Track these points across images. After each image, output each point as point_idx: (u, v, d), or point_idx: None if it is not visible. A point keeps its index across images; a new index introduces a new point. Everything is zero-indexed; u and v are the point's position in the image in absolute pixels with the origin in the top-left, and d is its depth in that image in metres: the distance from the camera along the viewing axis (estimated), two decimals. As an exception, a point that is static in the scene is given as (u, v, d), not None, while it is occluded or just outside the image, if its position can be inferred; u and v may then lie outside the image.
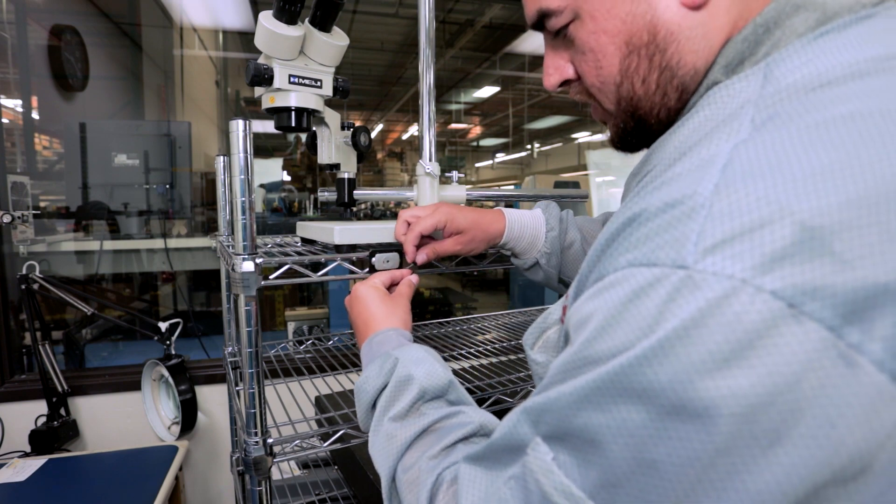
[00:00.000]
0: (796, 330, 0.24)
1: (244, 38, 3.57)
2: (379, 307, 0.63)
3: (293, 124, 0.80)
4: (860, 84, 0.30)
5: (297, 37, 0.74)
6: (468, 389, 0.88)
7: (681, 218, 0.29)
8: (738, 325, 0.25)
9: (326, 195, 1.01)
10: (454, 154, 8.24)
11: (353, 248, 0.79)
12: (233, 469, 1.21)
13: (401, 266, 0.77)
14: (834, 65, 0.32)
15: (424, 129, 0.89)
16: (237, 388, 0.92)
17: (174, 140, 1.99)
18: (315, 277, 0.75)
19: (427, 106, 0.89)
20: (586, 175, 5.36)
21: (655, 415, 0.27)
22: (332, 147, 0.91)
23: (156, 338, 1.40)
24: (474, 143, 8.86)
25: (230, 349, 1.18)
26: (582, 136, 7.49)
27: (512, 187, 6.12)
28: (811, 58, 0.33)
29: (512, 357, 1.18)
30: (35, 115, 2.08)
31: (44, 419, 1.41)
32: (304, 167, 4.48)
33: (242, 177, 0.66)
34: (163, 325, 1.40)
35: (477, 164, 9.38)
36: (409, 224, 0.72)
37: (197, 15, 3.12)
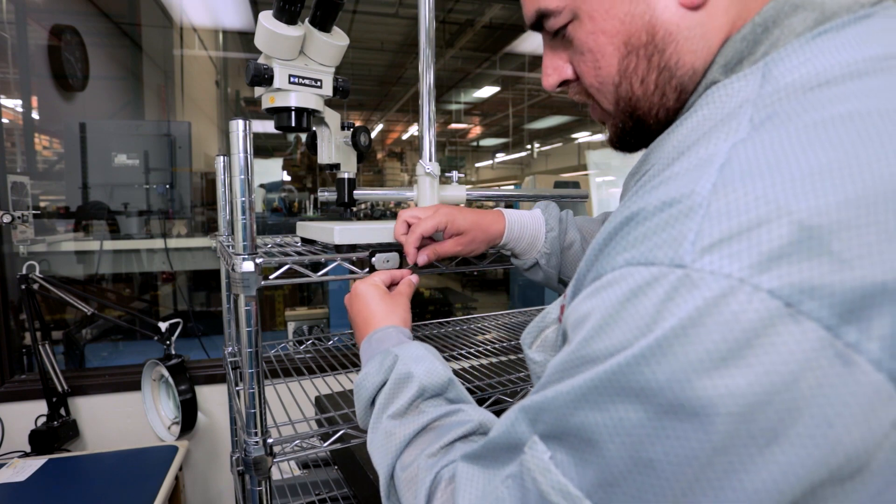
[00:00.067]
0: (794, 329, 0.24)
1: (244, 38, 3.57)
2: (379, 305, 0.63)
3: (293, 124, 0.80)
4: (858, 84, 0.30)
5: (297, 37, 0.74)
6: (468, 389, 0.88)
7: (678, 217, 0.29)
8: (735, 324, 0.25)
9: (326, 195, 1.02)
10: (454, 154, 8.24)
11: (353, 248, 0.79)
12: (233, 469, 1.21)
13: (401, 266, 0.77)
14: (832, 64, 0.32)
15: (424, 129, 0.89)
16: (237, 388, 0.92)
17: (174, 140, 1.99)
18: (315, 277, 0.75)
19: (427, 106, 0.89)
20: (586, 175, 5.37)
21: (653, 414, 0.27)
22: (332, 147, 0.91)
23: (156, 338, 1.40)
24: (474, 143, 8.87)
25: (230, 349, 1.18)
26: (582, 136, 7.49)
27: (512, 187, 6.12)
28: (809, 57, 0.33)
29: (512, 357, 1.18)
30: (35, 115, 2.08)
31: (44, 419, 1.41)
32: (304, 167, 4.48)
33: (242, 177, 0.66)
34: (163, 325, 1.40)
35: (477, 164, 9.38)
36: (408, 224, 0.72)
37: (197, 15, 3.12)
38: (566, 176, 6.16)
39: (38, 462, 1.26)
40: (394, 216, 0.74)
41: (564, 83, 0.47)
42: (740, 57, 0.37)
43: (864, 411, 0.24)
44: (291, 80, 0.77)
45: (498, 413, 0.50)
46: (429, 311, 3.24)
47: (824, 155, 0.27)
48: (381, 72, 5.57)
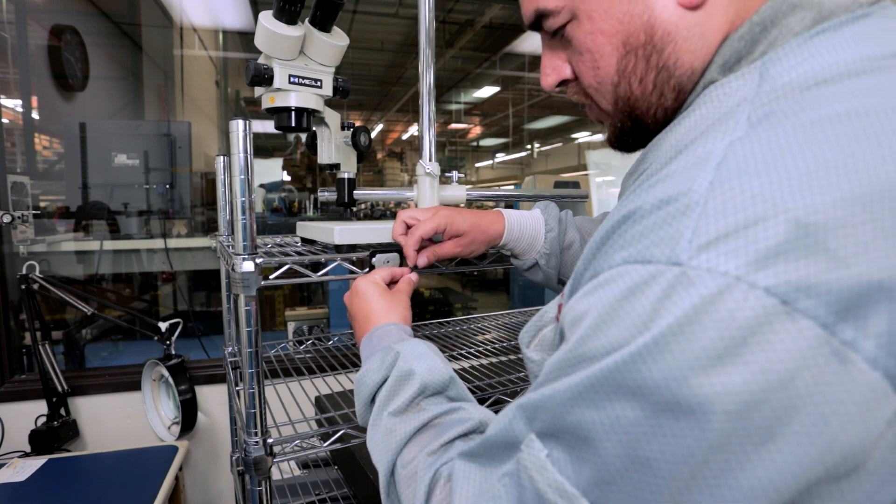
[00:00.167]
0: (790, 327, 0.24)
1: (244, 38, 3.57)
2: (379, 302, 0.63)
3: (293, 124, 0.80)
4: (856, 83, 0.31)
5: (297, 37, 0.74)
6: (468, 389, 0.88)
7: (675, 215, 0.29)
8: (732, 322, 0.25)
9: (326, 195, 1.02)
10: (454, 154, 8.24)
11: (353, 248, 0.79)
12: (233, 469, 1.21)
13: (401, 266, 0.78)
14: (830, 63, 0.32)
15: (424, 129, 0.89)
16: (237, 388, 0.93)
17: (174, 140, 1.99)
18: (315, 277, 0.75)
19: (427, 106, 0.89)
20: (586, 175, 5.37)
21: (649, 412, 0.27)
22: (332, 147, 0.91)
23: (156, 338, 1.40)
24: (474, 143, 8.87)
25: (230, 349, 1.18)
26: (582, 136, 7.49)
27: (512, 187, 6.12)
28: (807, 56, 0.33)
29: (512, 357, 1.18)
30: (35, 115, 2.08)
31: (44, 419, 1.41)
32: (304, 167, 4.48)
33: (242, 177, 0.66)
34: (163, 325, 1.40)
35: (477, 164, 9.38)
36: (407, 225, 0.72)
37: (197, 15, 3.12)
38: (566, 176, 6.17)
39: (38, 462, 1.26)
40: (394, 216, 0.74)
41: (563, 83, 0.47)
42: (738, 56, 0.37)
43: (860, 409, 0.24)
44: (291, 80, 0.77)
45: (498, 412, 0.50)
46: (429, 311, 3.25)
47: (821, 153, 0.27)
48: (381, 72, 5.57)
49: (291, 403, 0.94)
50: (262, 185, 3.88)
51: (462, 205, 0.95)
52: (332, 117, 0.89)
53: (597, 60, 0.42)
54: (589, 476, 0.29)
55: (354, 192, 0.95)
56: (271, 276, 0.72)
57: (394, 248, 0.78)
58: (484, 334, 1.32)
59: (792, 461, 0.25)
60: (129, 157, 1.91)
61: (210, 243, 2.10)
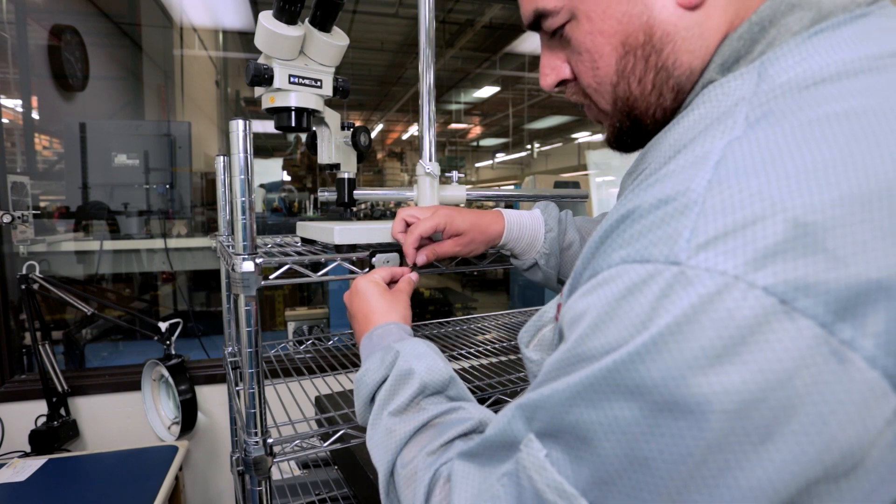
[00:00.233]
0: (788, 326, 0.24)
1: (244, 38, 3.58)
2: (379, 301, 0.63)
3: (293, 124, 0.80)
4: (854, 82, 0.31)
5: (297, 37, 0.74)
6: (468, 389, 0.88)
7: (674, 214, 0.29)
8: (730, 321, 0.25)
9: (326, 195, 1.02)
10: (454, 154, 8.25)
11: (353, 248, 0.79)
12: (233, 469, 1.21)
13: (401, 266, 0.78)
14: (828, 63, 0.32)
15: (424, 129, 0.89)
16: (237, 388, 0.93)
17: (174, 140, 1.99)
18: (315, 277, 0.75)
19: (427, 106, 0.89)
20: (586, 175, 5.37)
21: (648, 411, 0.27)
22: (332, 147, 0.91)
23: (156, 338, 1.40)
24: (474, 143, 8.87)
25: (230, 349, 1.18)
26: (582, 136, 7.49)
27: (512, 187, 6.12)
28: (805, 56, 0.33)
29: (512, 357, 1.18)
30: (35, 115, 2.08)
31: (44, 419, 1.41)
32: (304, 167, 4.48)
33: (242, 177, 0.66)
34: (163, 325, 1.40)
35: (477, 164, 9.38)
36: (406, 223, 0.72)
37: (197, 15, 3.13)
38: (566, 176, 6.17)
39: (38, 462, 1.26)
40: (394, 216, 0.74)
41: (562, 83, 0.47)
42: (737, 56, 0.37)
43: (858, 409, 0.24)
44: (291, 80, 0.77)
45: (498, 412, 0.50)
46: (429, 311, 3.25)
47: (819, 153, 0.27)
48: (381, 72, 5.57)
49: (291, 403, 0.94)
50: (262, 185, 3.88)
51: (462, 205, 0.95)
52: (332, 117, 0.89)
53: (596, 61, 0.42)
54: (588, 476, 0.29)
55: (354, 192, 0.95)
56: (271, 276, 0.72)
57: (394, 247, 0.78)
58: (484, 334, 1.32)
59: (790, 460, 0.25)
60: (129, 157, 1.91)
61: (210, 243, 2.10)
